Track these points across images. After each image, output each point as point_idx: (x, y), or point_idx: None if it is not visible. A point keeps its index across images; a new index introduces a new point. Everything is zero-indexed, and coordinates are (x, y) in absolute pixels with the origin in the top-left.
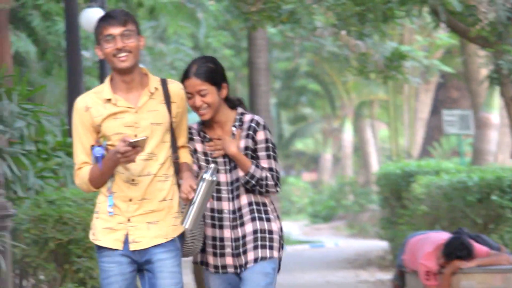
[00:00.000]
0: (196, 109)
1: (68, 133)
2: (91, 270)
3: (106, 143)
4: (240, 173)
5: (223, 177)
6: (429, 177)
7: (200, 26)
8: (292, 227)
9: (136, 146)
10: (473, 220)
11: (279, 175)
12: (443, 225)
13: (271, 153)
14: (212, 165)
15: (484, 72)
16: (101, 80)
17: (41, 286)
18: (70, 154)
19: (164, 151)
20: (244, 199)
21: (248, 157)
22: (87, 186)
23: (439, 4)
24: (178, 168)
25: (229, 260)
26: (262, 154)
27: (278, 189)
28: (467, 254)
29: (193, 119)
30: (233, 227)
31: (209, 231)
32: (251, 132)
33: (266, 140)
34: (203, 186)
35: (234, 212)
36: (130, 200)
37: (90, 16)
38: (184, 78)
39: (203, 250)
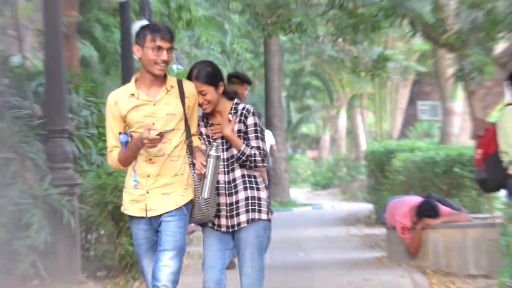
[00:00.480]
0: (199, 105)
1: None
2: None
3: (130, 131)
4: (234, 151)
5: (221, 155)
6: (405, 154)
7: (226, 35)
8: (298, 193)
9: (162, 135)
10: (440, 187)
11: (266, 153)
12: (416, 191)
13: (259, 135)
14: (215, 143)
15: (450, 71)
16: None
17: (102, 239)
18: None
19: (177, 136)
20: (238, 173)
21: (241, 139)
22: (117, 165)
23: (416, 17)
24: (191, 150)
25: (223, 221)
26: (251, 135)
27: (264, 164)
28: (435, 213)
29: None
30: (228, 195)
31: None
32: (242, 118)
33: (255, 124)
34: (211, 162)
35: (229, 183)
36: (148, 176)
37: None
38: (189, 80)
39: None
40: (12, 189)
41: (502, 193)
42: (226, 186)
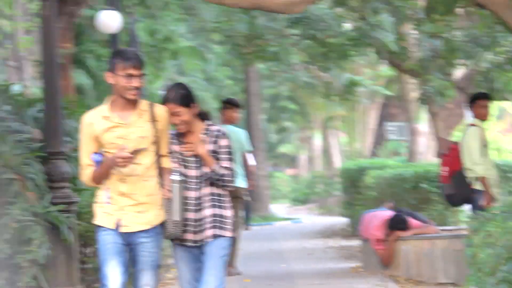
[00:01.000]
0: (175, 125)
1: None
2: None
3: (103, 151)
4: (205, 170)
5: (192, 172)
6: (377, 171)
7: (209, 63)
8: (278, 208)
9: (134, 154)
10: (409, 202)
11: (234, 173)
12: (387, 206)
13: (231, 156)
14: (177, 169)
15: (414, 94)
16: None
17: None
18: None
19: (149, 158)
20: (207, 190)
21: (214, 158)
22: (90, 183)
23: (381, 46)
24: (161, 171)
25: (190, 236)
26: (223, 156)
27: (233, 184)
28: (405, 227)
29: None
30: (196, 211)
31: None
32: (217, 139)
33: (227, 146)
34: (175, 186)
35: (198, 199)
36: (123, 194)
37: None
38: (164, 102)
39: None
40: (14, 207)
41: (467, 207)
42: (195, 202)
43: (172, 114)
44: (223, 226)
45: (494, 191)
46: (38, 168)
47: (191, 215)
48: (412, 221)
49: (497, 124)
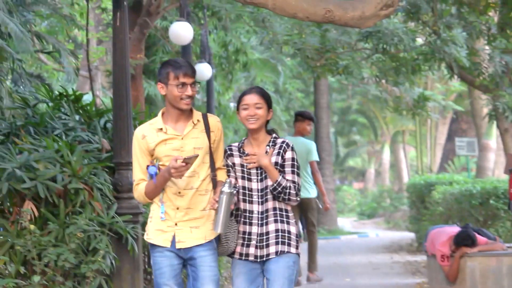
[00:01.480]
0: (247, 119)
1: None
2: None
3: (158, 163)
4: (269, 183)
5: (255, 185)
6: (444, 186)
7: (279, 76)
8: (345, 222)
9: (187, 163)
10: (476, 218)
11: (299, 187)
12: (454, 221)
13: (295, 169)
14: (228, 180)
15: (485, 110)
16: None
17: None
18: None
19: (204, 170)
20: (270, 204)
21: (277, 170)
22: (143, 198)
23: (453, 61)
24: (215, 184)
25: (251, 250)
26: (288, 169)
27: (298, 198)
28: (471, 243)
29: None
30: (260, 225)
31: (241, 227)
32: (281, 151)
33: (293, 159)
34: (223, 198)
35: (262, 213)
36: (178, 208)
37: (201, 69)
38: (244, 94)
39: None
40: (81, 217)
41: None
42: (259, 216)
43: (252, 104)
44: (288, 241)
45: None
46: (105, 178)
47: (254, 229)
48: (479, 238)
49: None
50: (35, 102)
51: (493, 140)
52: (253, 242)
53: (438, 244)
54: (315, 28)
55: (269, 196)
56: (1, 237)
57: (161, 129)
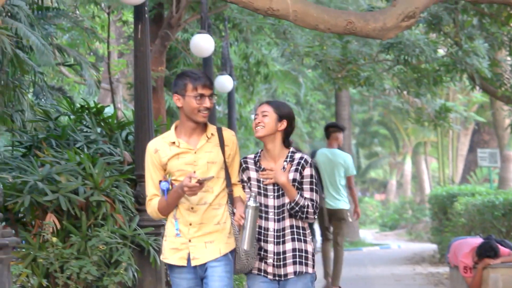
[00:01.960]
0: (254, 128)
1: None
2: None
3: (171, 179)
4: (286, 200)
5: (271, 201)
6: (467, 197)
7: (301, 87)
8: (367, 234)
9: (202, 183)
10: (499, 229)
11: (317, 205)
12: (477, 233)
13: (314, 186)
14: (253, 193)
15: (507, 121)
16: (229, 126)
17: None
18: None
19: (218, 185)
20: (287, 222)
21: (295, 187)
22: (156, 214)
23: (475, 72)
24: (232, 199)
25: (269, 269)
26: (306, 187)
27: (315, 216)
28: (494, 254)
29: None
30: (277, 243)
31: (258, 244)
32: (299, 168)
33: (311, 176)
34: (249, 212)
35: (278, 231)
36: (190, 224)
37: (222, 81)
38: (260, 105)
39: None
40: (103, 229)
41: None
42: (275, 234)
43: (260, 113)
44: (306, 261)
45: None
46: (127, 191)
47: (271, 248)
48: (502, 249)
49: None
50: (57, 115)
51: None
52: (270, 260)
53: (460, 255)
54: (337, 40)
55: (286, 214)
56: (24, 250)
57: (174, 142)
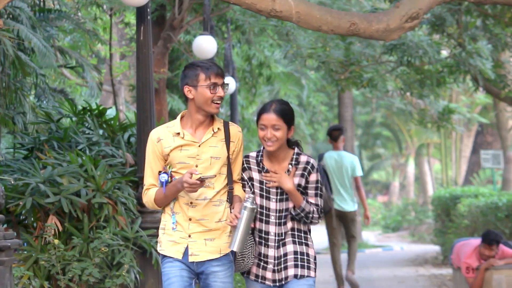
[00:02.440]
0: (264, 140)
1: None
2: None
3: (171, 170)
4: (290, 205)
5: (273, 205)
6: (470, 199)
7: (303, 89)
8: (369, 236)
9: (202, 181)
10: (502, 230)
11: (322, 209)
12: (479, 234)
13: (319, 192)
14: (251, 195)
15: (511, 122)
16: None
17: None
18: None
19: (220, 181)
20: (289, 226)
21: (299, 192)
22: (152, 205)
23: (478, 74)
24: (231, 197)
25: (268, 275)
26: (311, 192)
27: (320, 220)
28: (500, 238)
29: None
30: (277, 247)
31: (256, 248)
32: (305, 173)
33: (317, 181)
34: (245, 214)
35: (279, 235)
36: (190, 219)
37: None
38: (262, 112)
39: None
40: (105, 231)
41: None
42: (276, 238)
43: (270, 126)
44: (308, 265)
45: None
46: (129, 192)
47: (271, 252)
48: (506, 250)
49: None
50: (58, 117)
51: None
52: (270, 266)
53: (463, 256)
54: (339, 41)
55: (288, 218)
56: (25, 252)
57: (178, 133)
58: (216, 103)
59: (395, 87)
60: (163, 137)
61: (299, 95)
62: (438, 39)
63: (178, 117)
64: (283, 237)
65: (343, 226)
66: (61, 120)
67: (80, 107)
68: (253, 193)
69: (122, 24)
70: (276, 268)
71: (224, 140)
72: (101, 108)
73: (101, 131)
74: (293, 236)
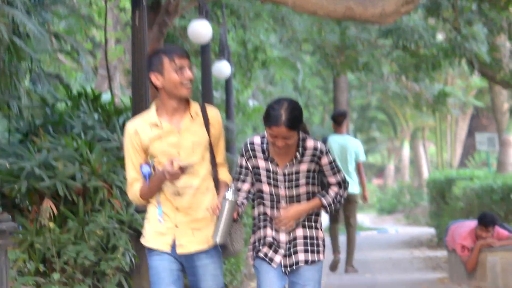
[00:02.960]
0: (274, 145)
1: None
2: None
3: (152, 161)
4: (301, 190)
5: (282, 191)
6: (465, 182)
7: (299, 73)
8: (364, 218)
9: (184, 169)
10: (497, 213)
11: (346, 182)
12: (475, 217)
13: (335, 168)
14: (232, 185)
15: (506, 106)
16: (227, 112)
17: None
18: None
19: (204, 167)
20: None
21: (310, 177)
22: (138, 200)
23: (474, 57)
24: (217, 183)
25: (278, 258)
26: (328, 172)
27: (347, 192)
28: (496, 220)
29: None
30: (288, 232)
31: (270, 232)
32: (315, 158)
33: (330, 162)
34: (226, 205)
35: None
36: (177, 209)
37: (220, 67)
38: (272, 124)
39: (263, 247)
40: (100, 215)
41: None
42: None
43: (281, 137)
44: (317, 249)
45: None
46: (124, 176)
47: (282, 238)
48: (501, 231)
49: None
50: (53, 101)
51: None
52: (281, 250)
53: (458, 237)
54: (335, 26)
55: (297, 203)
56: (21, 235)
57: (156, 123)
58: (186, 86)
59: (390, 71)
60: (140, 129)
61: (295, 79)
62: (434, 23)
63: (153, 107)
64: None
65: (343, 209)
66: (56, 104)
67: (75, 92)
68: (260, 181)
69: (117, 9)
70: (286, 252)
71: (203, 124)
72: (96, 92)
73: (96, 115)
74: (304, 220)
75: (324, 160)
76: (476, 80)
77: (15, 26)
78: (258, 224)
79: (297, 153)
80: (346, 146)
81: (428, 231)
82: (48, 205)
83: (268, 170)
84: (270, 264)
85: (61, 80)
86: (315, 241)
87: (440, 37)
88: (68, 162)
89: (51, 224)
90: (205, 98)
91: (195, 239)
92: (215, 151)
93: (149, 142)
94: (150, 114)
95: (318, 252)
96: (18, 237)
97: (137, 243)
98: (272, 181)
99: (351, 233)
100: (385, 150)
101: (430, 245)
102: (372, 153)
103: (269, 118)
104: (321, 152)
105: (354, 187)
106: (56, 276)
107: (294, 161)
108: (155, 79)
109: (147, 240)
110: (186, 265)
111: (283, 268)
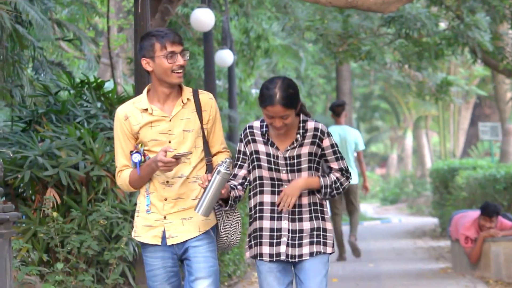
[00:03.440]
0: (272, 126)
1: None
2: None
3: (143, 149)
4: (302, 174)
5: (284, 176)
6: (468, 171)
7: (301, 62)
8: (368, 208)
9: (178, 158)
10: (501, 202)
11: (348, 170)
12: (478, 206)
13: (338, 154)
14: (228, 159)
15: (509, 94)
16: (230, 101)
17: None
18: None
19: (196, 155)
20: (305, 200)
21: (312, 162)
22: (127, 187)
23: (477, 46)
24: (211, 170)
25: (283, 249)
26: (331, 157)
27: (349, 181)
28: (500, 210)
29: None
30: (292, 220)
31: (267, 224)
32: (317, 140)
33: (332, 145)
34: (217, 178)
35: (294, 207)
36: (165, 199)
37: (222, 56)
38: (267, 104)
39: (260, 243)
40: (103, 204)
41: None
42: (290, 210)
43: (278, 116)
44: (324, 240)
45: None
46: None
47: (284, 225)
48: (504, 221)
49: None
50: (56, 89)
51: None
52: (284, 239)
53: (462, 228)
54: (337, 14)
55: (304, 192)
56: (24, 225)
57: (146, 109)
58: (177, 73)
59: (393, 60)
60: (130, 115)
61: (297, 68)
62: (436, 11)
63: (144, 92)
64: (299, 210)
65: (344, 198)
66: (59, 93)
67: (78, 80)
68: (260, 167)
69: None
70: (290, 242)
71: (195, 110)
72: (99, 81)
73: (99, 104)
74: (309, 212)
75: (326, 142)
76: (479, 69)
77: (18, 13)
78: (254, 216)
79: (298, 135)
80: (346, 137)
81: (431, 221)
82: (51, 194)
83: (268, 155)
84: (279, 260)
85: (64, 68)
86: (321, 233)
87: (442, 25)
88: (71, 151)
89: (55, 214)
90: (208, 86)
91: (185, 228)
92: (210, 138)
93: (139, 128)
94: (141, 99)
95: (325, 244)
96: (22, 226)
97: None
98: (273, 165)
99: (355, 211)
100: (388, 139)
101: (433, 235)
102: (375, 143)
103: (264, 98)
104: (322, 133)
105: (354, 178)
106: (59, 266)
107: (295, 143)
108: (146, 64)
109: (138, 234)
110: (178, 251)
111: (288, 258)
